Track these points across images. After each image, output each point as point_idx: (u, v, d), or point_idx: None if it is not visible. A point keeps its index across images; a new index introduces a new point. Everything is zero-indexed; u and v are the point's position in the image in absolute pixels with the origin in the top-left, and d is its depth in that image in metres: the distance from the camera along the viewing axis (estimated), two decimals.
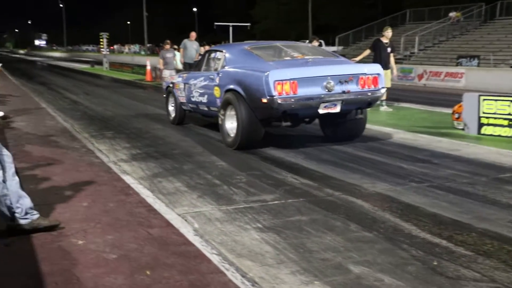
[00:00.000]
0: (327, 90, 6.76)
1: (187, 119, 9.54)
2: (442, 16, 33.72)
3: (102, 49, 34.55)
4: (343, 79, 6.89)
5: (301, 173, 5.82)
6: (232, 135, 7.21)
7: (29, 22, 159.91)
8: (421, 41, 30.29)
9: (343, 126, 7.62)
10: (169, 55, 15.13)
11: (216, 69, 7.98)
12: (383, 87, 7.32)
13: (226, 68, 7.65)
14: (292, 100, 6.52)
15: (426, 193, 4.96)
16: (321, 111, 6.82)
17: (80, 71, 32.24)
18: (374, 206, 4.58)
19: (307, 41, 11.91)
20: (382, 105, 11.19)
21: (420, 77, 20.23)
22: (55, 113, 10.87)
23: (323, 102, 6.74)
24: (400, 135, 8.22)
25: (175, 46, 16.69)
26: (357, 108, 7.24)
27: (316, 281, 3.11)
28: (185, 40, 14.90)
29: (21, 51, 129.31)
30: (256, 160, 6.57)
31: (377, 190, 5.08)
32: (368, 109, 7.57)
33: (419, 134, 8.28)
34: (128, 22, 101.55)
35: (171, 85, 9.68)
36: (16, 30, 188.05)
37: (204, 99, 8.20)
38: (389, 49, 10.97)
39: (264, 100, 6.53)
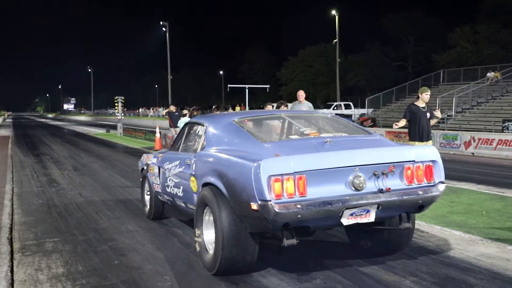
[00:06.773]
0: (354, 188, 4.22)
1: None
2: (479, 76, 31.68)
3: (117, 114, 33.11)
4: (379, 171, 4.32)
5: None
6: (212, 251, 4.64)
7: (59, 87, 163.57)
8: (459, 103, 27.92)
9: (380, 236, 5.02)
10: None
11: (195, 150, 5.46)
12: (441, 182, 4.64)
13: (205, 150, 5.14)
14: (299, 206, 3.95)
15: None
16: (345, 221, 4.25)
17: (92, 137, 30.24)
18: None
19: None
20: None
21: (467, 144, 17.44)
22: (9, 202, 8.41)
23: (348, 208, 4.15)
24: (480, 248, 5.41)
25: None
26: (401, 213, 4.67)
27: None
28: (295, 103, 10.56)
29: (50, 115, 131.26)
30: None
31: None
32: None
33: (508, 245, 5.50)
34: (156, 86, 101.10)
35: (145, 167, 7.17)
36: (47, 95, 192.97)
37: (179, 192, 5.67)
38: (428, 115, 8.39)
39: (254, 207, 3.98)
